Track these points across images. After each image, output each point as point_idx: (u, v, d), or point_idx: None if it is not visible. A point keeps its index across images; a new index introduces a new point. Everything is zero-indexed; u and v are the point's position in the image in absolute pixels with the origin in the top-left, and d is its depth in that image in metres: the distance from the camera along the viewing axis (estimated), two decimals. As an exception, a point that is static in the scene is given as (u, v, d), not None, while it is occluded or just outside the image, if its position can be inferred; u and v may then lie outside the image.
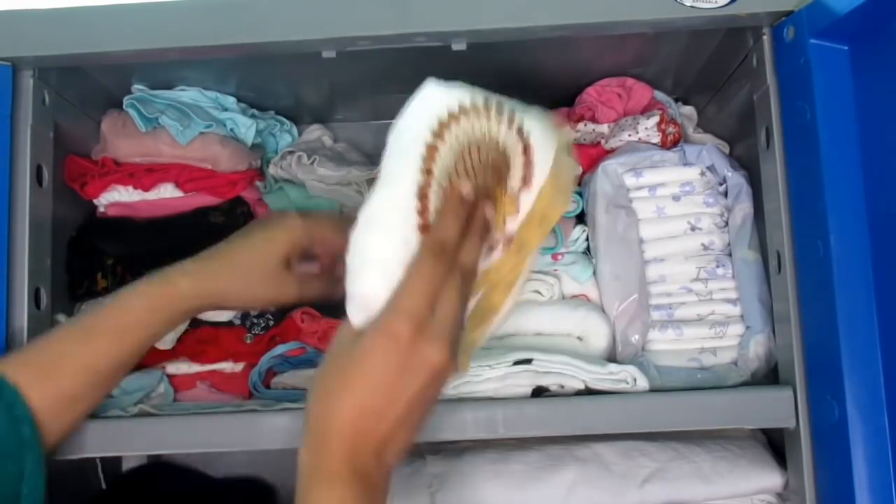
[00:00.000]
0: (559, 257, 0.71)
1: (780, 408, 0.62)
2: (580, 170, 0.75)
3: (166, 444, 0.64)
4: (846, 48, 0.59)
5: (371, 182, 0.79)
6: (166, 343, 0.73)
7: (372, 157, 0.87)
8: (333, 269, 0.67)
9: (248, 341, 0.75)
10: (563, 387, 0.65)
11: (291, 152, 0.81)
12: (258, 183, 0.83)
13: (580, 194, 0.74)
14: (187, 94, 0.79)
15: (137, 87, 0.78)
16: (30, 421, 0.54)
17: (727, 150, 0.77)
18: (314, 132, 0.90)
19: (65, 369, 0.57)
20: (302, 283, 0.64)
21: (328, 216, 0.67)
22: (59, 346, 0.58)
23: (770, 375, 0.68)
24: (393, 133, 0.52)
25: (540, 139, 0.51)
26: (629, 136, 0.75)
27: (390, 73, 0.78)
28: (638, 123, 0.75)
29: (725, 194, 0.73)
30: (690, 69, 0.80)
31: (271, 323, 0.75)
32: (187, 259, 0.61)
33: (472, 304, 0.52)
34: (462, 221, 0.49)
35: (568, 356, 0.64)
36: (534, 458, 0.67)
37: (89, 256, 0.76)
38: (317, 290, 0.66)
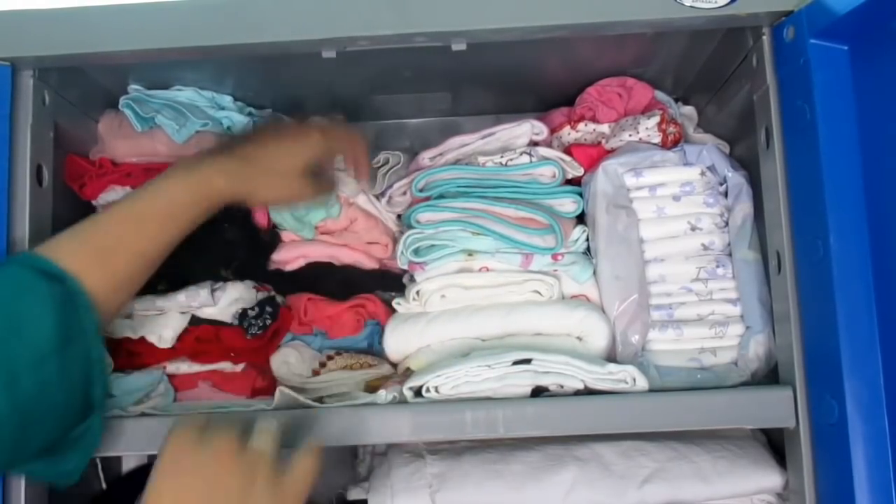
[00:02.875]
0: (559, 257, 0.71)
1: (779, 408, 0.62)
2: (581, 170, 0.75)
3: (166, 445, 0.63)
4: (846, 48, 0.59)
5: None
6: (166, 342, 0.73)
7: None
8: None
9: (249, 337, 0.76)
10: (562, 387, 0.65)
11: None
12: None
13: (580, 194, 0.74)
14: (183, 94, 0.79)
15: (133, 88, 0.78)
16: (90, 307, 0.56)
17: (727, 150, 0.77)
18: None
19: (119, 255, 0.59)
20: (314, 187, 0.72)
21: (338, 127, 0.75)
22: (112, 231, 0.60)
23: (770, 375, 0.68)
24: None
25: None
26: (630, 136, 0.75)
27: (390, 73, 0.78)
28: (639, 123, 0.75)
29: (726, 194, 0.72)
30: (690, 69, 0.80)
31: (269, 322, 0.75)
32: (221, 155, 0.65)
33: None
34: None
35: (567, 356, 0.64)
36: (533, 458, 0.67)
37: (89, 256, 0.76)
38: (322, 191, 0.74)
